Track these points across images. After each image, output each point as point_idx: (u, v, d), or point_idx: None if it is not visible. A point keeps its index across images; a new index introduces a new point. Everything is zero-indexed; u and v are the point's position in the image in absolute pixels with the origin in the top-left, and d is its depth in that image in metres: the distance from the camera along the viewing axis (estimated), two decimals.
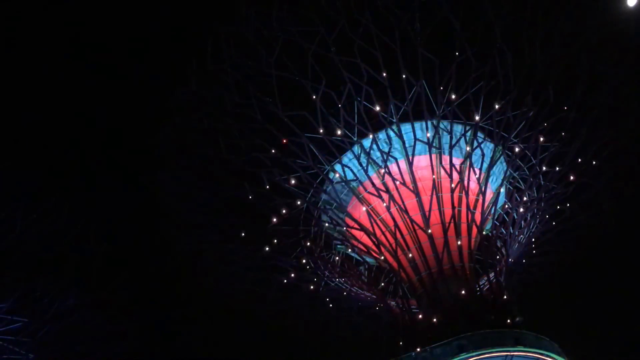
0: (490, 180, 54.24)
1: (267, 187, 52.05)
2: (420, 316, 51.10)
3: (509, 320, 46.31)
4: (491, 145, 53.29)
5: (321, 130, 50.40)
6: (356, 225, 54.18)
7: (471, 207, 52.67)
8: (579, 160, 54.59)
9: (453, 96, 49.87)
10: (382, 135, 52.11)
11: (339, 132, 50.92)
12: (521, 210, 54.90)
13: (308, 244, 56.15)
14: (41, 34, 76.46)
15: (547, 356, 43.59)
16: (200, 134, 51.04)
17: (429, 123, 51.51)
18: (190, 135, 51.15)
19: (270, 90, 48.73)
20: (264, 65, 48.08)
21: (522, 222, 56.02)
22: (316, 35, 47.24)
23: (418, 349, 44.43)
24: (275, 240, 55.84)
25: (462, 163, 52.67)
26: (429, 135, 51.81)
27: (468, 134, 52.08)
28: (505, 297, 50.53)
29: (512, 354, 43.22)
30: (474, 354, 42.61)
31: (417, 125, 51.50)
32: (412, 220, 52.04)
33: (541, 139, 52.74)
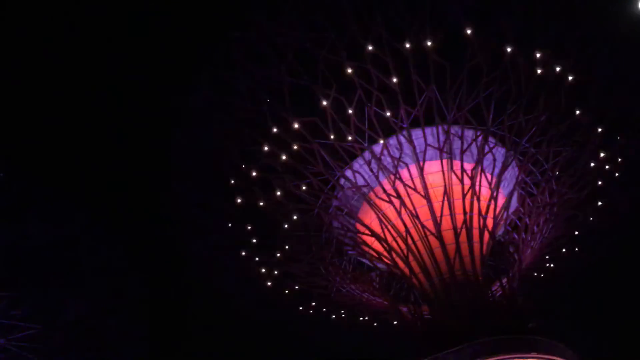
0: (502, 185, 53.92)
1: (279, 193, 52.12)
2: (432, 322, 50.89)
3: (522, 326, 45.86)
4: (503, 150, 53.02)
5: (332, 136, 50.39)
6: (367, 231, 54.07)
7: (483, 213, 52.39)
8: (592, 164, 54.18)
9: (464, 101, 49.74)
10: (392, 141, 51.99)
11: (349, 138, 50.88)
12: (534, 215, 54.54)
13: (319, 250, 56.17)
14: (54, 41, 77.26)
15: None
16: (211, 141, 51.19)
17: (440, 128, 51.34)
18: (202, 141, 51.31)
19: (281, 96, 48.82)
20: (274, 72, 48.15)
21: (535, 228, 55.62)
22: (327, 40, 47.28)
23: (431, 356, 44.10)
24: (287, 247, 55.95)
25: (474, 168, 52.43)
26: (440, 140, 51.62)
27: (479, 139, 51.82)
28: (518, 302, 50.15)
29: (526, 359, 42.82)
30: None
31: (427, 130, 51.40)
32: (423, 226, 51.84)
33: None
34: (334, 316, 64.67)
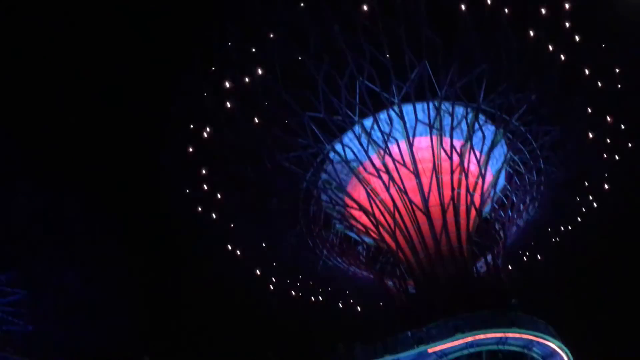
0: (490, 163, 54.21)
1: (268, 165, 52.13)
2: (417, 296, 51.56)
3: (504, 302, 46.52)
4: (492, 128, 53.16)
5: (322, 110, 50.24)
6: (355, 205, 54.33)
7: (470, 190, 52.74)
8: (581, 145, 54.53)
9: (456, 78, 49.67)
10: (383, 116, 51.96)
11: (340, 112, 50.77)
12: (520, 193, 54.99)
13: (307, 223, 56.45)
14: (43, 28, 76.02)
15: (542, 338, 43.90)
16: (202, 112, 50.85)
17: (431, 104, 51.32)
18: (193, 114, 50.95)
19: (273, 68, 48.46)
20: (266, 43, 47.72)
21: (521, 206, 56.13)
22: (320, 13, 46.81)
23: (414, 329, 44.73)
24: (275, 219, 56.17)
25: (463, 145, 52.61)
26: (430, 116, 51.64)
27: (470, 116, 51.90)
28: (501, 279, 50.83)
29: (507, 335, 43.54)
30: (469, 334, 42.91)
31: (418, 106, 51.35)
32: (411, 201, 52.15)
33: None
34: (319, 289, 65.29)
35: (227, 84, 49.06)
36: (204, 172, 53.38)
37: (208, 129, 51.22)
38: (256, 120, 50.65)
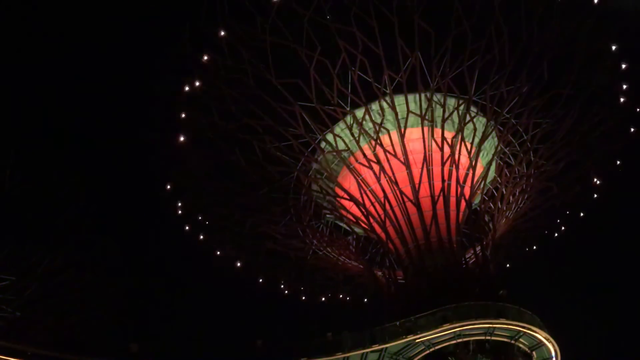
0: (481, 154, 54.35)
1: (259, 154, 51.93)
2: (405, 287, 51.75)
3: (492, 293, 46.81)
4: (483, 120, 53.26)
5: (314, 99, 50.06)
6: (346, 195, 54.35)
7: (461, 181, 52.90)
8: (571, 137, 54.76)
9: (448, 69, 49.65)
10: (375, 106, 51.90)
11: (331, 102, 50.62)
12: (510, 185, 55.22)
13: (298, 212, 56.41)
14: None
15: (529, 329, 44.23)
16: (191, 97, 50.40)
17: (423, 95, 51.28)
18: (181, 97, 50.47)
19: (264, 56, 48.16)
20: (258, 30, 47.36)
21: (511, 198, 56.37)
22: (312, 1, 46.49)
23: (403, 319, 44.91)
24: (265, 208, 56.07)
25: (454, 137, 52.68)
26: (422, 107, 51.62)
27: (461, 107, 51.94)
28: (490, 270, 51.11)
29: (494, 325, 43.85)
30: (457, 325, 43.13)
31: (410, 97, 51.33)
32: (401, 192, 52.25)
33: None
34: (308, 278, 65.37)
35: (218, 70, 48.59)
36: (193, 159, 53.05)
37: (199, 116, 50.86)
38: (248, 108, 50.31)
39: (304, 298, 69.08)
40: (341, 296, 68.37)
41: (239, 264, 62.30)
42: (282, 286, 66.96)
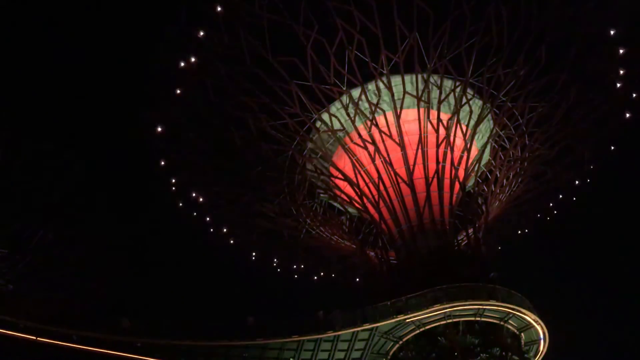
0: (476, 137, 54.36)
1: (254, 131, 51.75)
2: (397, 267, 52.09)
3: (483, 275, 47.18)
4: (480, 103, 53.18)
5: (310, 78, 49.79)
6: (340, 175, 54.37)
7: (455, 163, 52.98)
8: (566, 122, 54.79)
9: (445, 51, 49.42)
10: (371, 86, 51.70)
11: (328, 81, 50.36)
12: (504, 168, 55.36)
13: (292, 191, 56.44)
14: None
15: (518, 311, 44.71)
16: (187, 74, 49.99)
17: (420, 76, 51.09)
18: (177, 74, 50.05)
19: (261, 34, 47.73)
20: (255, 7, 46.85)
21: (505, 181, 56.55)
22: None
23: (394, 299, 45.28)
24: (260, 186, 56.08)
25: (450, 119, 52.62)
26: (418, 88, 51.47)
27: (458, 89, 51.79)
28: (481, 252, 51.45)
29: (484, 307, 44.28)
30: (447, 305, 43.57)
31: (407, 78, 51.14)
32: (395, 173, 52.32)
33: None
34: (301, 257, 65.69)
35: (215, 47, 48.16)
36: (188, 136, 52.84)
37: (194, 93, 50.52)
38: (243, 85, 49.99)
39: (296, 276, 69.47)
40: (333, 275, 68.71)
41: (231, 242, 62.54)
42: (275, 264, 67.21)
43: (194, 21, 48.02)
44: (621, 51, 51.63)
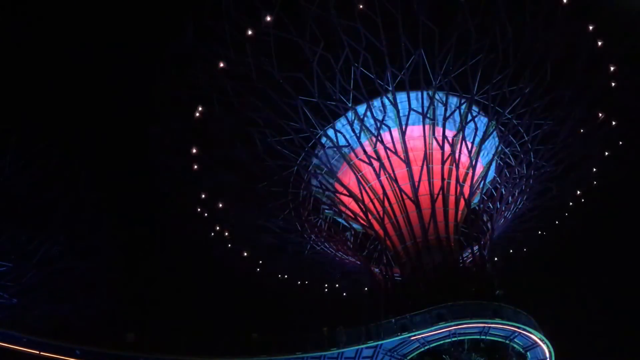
0: (481, 154, 54.36)
1: (260, 147, 51.91)
2: (402, 284, 51.85)
3: (489, 293, 46.87)
4: (485, 120, 53.23)
5: (316, 94, 50.01)
6: (345, 191, 54.37)
7: (460, 180, 52.91)
8: (571, 139, 54.77)
9: (451, 68, 49.57)
10: (377, 103, 51.86)
11: (333, 97, 50.55)
12: (510, 186, 55.26)
13: (297, 207, 56.44)
14: None
15: (524, 330, 44.33)
16: (194, 90, 50.35)
17: (425, 93, 51.23)
18: (184, 90, 50.41)
19: (268, 50, 48.03)
20: (262, 24, 47.20)
21: (510, 198, 56.41)
22: None
23: (398, 316, 44.99)
24: (265, 201, 56.12)
25: (455, 136, 52.67)
26: (423, 105, 51.58)
27: (463, 106, 51.90)
28: (487, 270, 51.18)
29: (489, 325, 43.93)
30: (452, 323, 43.20)
31: (412, 94, 51.29)
32: (401, 190, 52.27)
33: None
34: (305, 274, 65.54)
35: (221, 64, 48.48)
36: (194, 151, 53.04)
37: (200, 108, 50.78)
38: (249, 101, 50.25)
39: (300, 292, 69.25)
40: (337, 291, 68.47)
41: (237, 257, 62.45)
42: (279, 280, 67.05)
43: (201, 37, 48.47)
44: (626, 70, 51.72)
